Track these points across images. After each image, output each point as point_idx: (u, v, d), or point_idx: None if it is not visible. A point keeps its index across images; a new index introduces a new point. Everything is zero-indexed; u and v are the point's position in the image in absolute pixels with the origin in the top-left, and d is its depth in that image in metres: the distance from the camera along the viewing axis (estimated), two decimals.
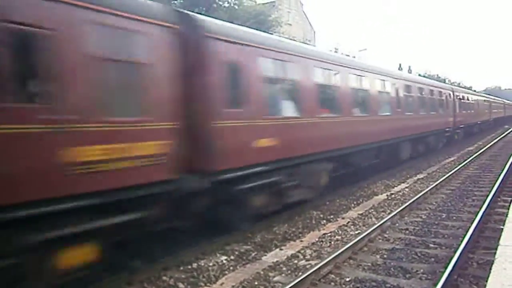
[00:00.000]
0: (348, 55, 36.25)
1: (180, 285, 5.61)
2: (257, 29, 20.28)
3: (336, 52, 36.15)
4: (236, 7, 20.09)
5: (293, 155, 8.20)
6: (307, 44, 39.46)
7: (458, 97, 23.94)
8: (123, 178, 5.09)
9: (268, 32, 23.50)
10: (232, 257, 6.57)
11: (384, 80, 13.22)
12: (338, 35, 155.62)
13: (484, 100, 35.98)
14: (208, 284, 5.62)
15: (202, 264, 6.28)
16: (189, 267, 6.18)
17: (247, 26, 19.24)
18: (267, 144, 7.45)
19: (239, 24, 18.89)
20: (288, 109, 8.43)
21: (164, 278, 5.82)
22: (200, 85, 6.32)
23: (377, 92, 12.62)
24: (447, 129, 20.48)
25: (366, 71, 12.09)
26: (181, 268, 6.15)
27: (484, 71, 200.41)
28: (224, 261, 6.41)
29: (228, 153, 6.64)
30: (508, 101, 61.47)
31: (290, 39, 14.57)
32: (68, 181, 4.53)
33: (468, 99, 27.36)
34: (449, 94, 21.90)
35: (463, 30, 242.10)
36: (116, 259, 6.55)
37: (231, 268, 6.15)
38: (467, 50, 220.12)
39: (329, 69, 10.03)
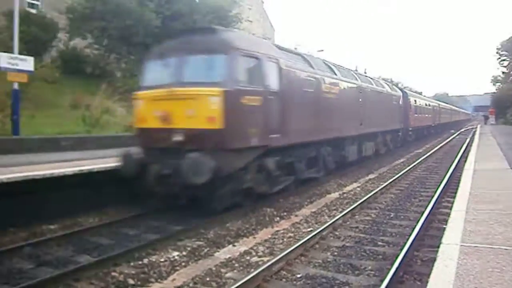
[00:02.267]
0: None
1: (130, 281, 5.46)
2: (218, 24, 20.17)
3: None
4: (197, 0, 19.82)
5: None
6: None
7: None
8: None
9: (228, 28, 23.40)
10: (184, 253, 6.49)
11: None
12: (297, 35, 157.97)
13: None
14: (159, 280, 5.51)
15: (153, 260, 6.16)
16: (140, 262, 6.05)
17: (207, 20, 19.03)
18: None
19: (199, 17, 18.63)
20: None
21: (114, 274, 5.64)
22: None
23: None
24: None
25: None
26: (131, 263, 6.00)
27: (433, 78, 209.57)
28: (176, 257, 6.32)
29: None
30: (455, 107, 65.18)
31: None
32: None
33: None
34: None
35: (416, 38, 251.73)
36: (64, 253, 6.36)
37: (183, 264, 6.07)
38: (419, 57, 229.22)
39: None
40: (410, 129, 24.23)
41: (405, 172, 14.15)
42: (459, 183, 7.70)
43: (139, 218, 8.29)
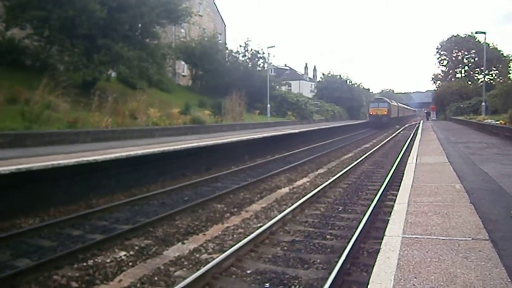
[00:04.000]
0: (258, 51, 36.97)
1: (74, 284, 5.23)
2: (167, 18, 19.49)
3: (246, 46, 36.65)
4: None
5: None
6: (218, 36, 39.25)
7: (397, 106, 56.59)
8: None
9: (177, 22, 22.96)
10: (131, 253, 6.32)
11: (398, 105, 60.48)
12: (249, 31, 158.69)
13: (401, 106, 64.58)
14: (105, 282, 5.33)
15: (99, 261, 5.95)
16: (84, 264, 5.83)
17: (155, 14, 18.43)
18: (400, 114, 60.57)
19: (147, 10, 18.05)
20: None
21: (56, 277, 5.39)
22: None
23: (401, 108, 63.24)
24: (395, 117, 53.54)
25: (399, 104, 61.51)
26: (75, 266, 5.77)
27: (380, 75, 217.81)
28: (123, 257, 6.14)
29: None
30: (407, 106, 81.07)
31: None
32: None
33: (399, 107, 59.33)
34: (397, 105, 56.96)
35: (363, 37, 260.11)
36: (0, 257, 5.98)
37: (130, 264, 5.91)
38: (366, 55, 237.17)
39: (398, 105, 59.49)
40: (397, 117, 54.69)
41: (353, 167, 14.54)
42: (402, 176, 8.00)
43: (83, 217, 7.97)
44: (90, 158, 9.20)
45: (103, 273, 5.55)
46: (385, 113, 46.01)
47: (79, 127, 13.76)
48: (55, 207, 8.46)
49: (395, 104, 54.28)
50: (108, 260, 6.00)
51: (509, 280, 2.91)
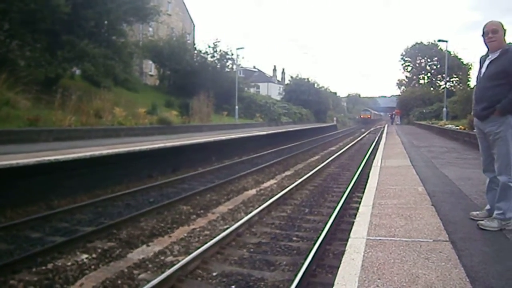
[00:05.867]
0: (226, 52, 36.89)
1: None
2: (135, 16, 19.12)
3: (215, 47, 36.47)
4: None
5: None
6: (187, 36, 38.89)
7: (372, 112, 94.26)
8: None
9: (145, 21, 22.56)
10: (94, 255, 6.14)
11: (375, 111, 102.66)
12: (218, 32, 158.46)
13: (373, 112, 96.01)
14: (65, 286, 5.15)
15: (59, 264, 5.75)
16: (44, 268, 5.61)
17: (122, 11, 17.95)
18: (375, 118, 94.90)
19: (114, 7, 17.63)
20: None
21: (12, 282, 5.17)
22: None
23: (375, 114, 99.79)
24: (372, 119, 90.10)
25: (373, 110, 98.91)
26: (33, 269, 5.54)
27: (347, 79, 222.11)
28: (85, 260, 5.96)
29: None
30: (376, 112, 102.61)
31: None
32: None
33: (373, 112, 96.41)
34: (372, 110, 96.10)
35: (331, 39, 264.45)
36: None
37: (93, 267, 5.74)
38: (334, 59, 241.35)
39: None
40: (373, 119, 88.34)
41: (319, 169, 14.70)
42: (367, 179, 8.14)
43: (43, 219, 7.69)
44: (52, 158, 8.91)
45: (63, 277, 5.36)
46: (369, 116, 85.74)
47: (41, 125, 13.29)
48: (12, 208, 8.12)
49: (373, 111, 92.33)
50: (69, 264, 5.80)
51: (468, 280, 3.00)
